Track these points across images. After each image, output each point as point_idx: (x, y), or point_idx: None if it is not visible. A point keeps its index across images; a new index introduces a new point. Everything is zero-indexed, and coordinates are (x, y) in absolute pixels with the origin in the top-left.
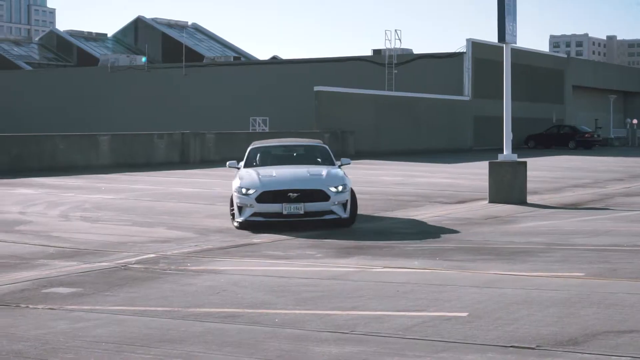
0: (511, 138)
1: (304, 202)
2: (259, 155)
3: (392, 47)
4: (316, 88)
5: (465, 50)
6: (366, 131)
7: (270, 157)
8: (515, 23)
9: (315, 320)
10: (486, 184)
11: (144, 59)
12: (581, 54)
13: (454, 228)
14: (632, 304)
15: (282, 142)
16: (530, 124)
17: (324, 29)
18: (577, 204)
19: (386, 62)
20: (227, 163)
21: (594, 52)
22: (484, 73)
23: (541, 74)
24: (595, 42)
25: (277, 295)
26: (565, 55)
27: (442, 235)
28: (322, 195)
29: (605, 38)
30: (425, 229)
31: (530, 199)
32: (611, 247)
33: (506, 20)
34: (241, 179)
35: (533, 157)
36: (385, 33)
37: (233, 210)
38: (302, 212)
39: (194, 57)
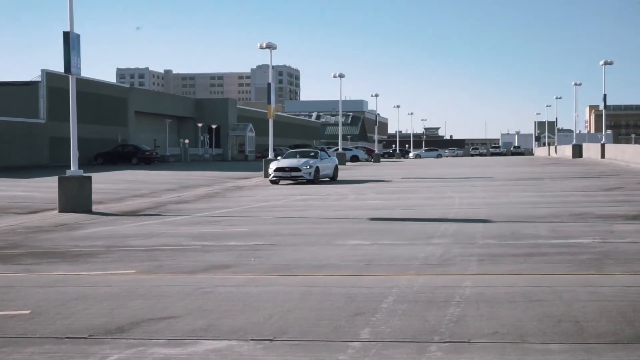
0: (77, 156)
1: (290, 172)
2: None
3: None
4: None
5: (40, 80)
6: None
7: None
8: (80, 57)
9: None
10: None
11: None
12: (143, 84)
13: (27, 235)
14: (172, 294)
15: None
16: (99, 143)
17: None
18: (135, 211)
19: None
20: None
21: (154, 83)
22: (58, 99)
23: (108, 101)
24: (155, 74)
25: None
26: (129, 85)
27: (15, 242)
28: (297, 169)
29: (163, 71)
30: None
31: (95, 208)
32: (160, 246)
33: (71, 54)
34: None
35: (101, 172)
36: None
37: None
38: (289, 175)
39: None
